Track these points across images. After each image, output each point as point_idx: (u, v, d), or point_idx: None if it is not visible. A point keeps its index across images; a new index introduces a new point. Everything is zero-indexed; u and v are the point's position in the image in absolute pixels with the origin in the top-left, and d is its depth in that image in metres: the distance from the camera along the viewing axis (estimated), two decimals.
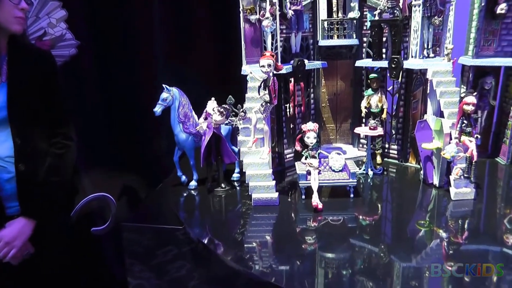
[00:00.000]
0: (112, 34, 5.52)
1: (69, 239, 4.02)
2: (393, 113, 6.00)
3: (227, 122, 5.10)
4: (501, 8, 5.51)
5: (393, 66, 5.29)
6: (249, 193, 4.63)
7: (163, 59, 6.13)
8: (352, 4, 5.76)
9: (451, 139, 4.86)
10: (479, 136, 4.96)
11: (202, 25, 6.72)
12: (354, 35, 5.85)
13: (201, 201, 4.99)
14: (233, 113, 5.18)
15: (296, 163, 5.07)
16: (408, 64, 5.36)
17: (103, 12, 5.40)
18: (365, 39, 5.90)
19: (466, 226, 4.38)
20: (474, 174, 4.80)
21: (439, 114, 5.23)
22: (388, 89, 5.96)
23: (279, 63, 4.87)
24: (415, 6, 5.19)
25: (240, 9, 5.30)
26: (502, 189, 5.41)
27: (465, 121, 4.80)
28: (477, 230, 4.38)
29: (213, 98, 5.13)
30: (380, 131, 5.44)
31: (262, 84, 4.62)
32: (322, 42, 5.83)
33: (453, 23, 5.38)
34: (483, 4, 5.43)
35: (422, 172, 5.27)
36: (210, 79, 6.64)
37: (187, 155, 5.21)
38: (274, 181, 4.67)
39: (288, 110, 5.68)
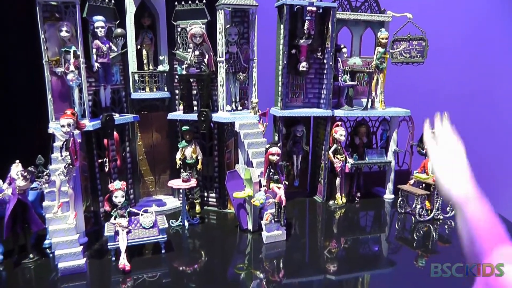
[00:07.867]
0: None
1: None
2: None
3: (34, 186, 4.70)
4: (303, 66, 6.10)
5: (202, 119, 5.41)
6: (55, 263, 4.26)
7: None
8: (161, 57, 5.77)
9: (260, 187, 5.10)
10: (287, 183, 5.29)
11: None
12: (166, 88, 5.85)
13: (8, 276, 4.38)
14: (43, 173, 4.76)
15: (106, 224, 4.80)
16: (217, 117, 5.54)
17: None
18: (177, 91, 5.92)
19: (281, 264, 4.64)
20: (283, 217, 5.07)
21: (250, 163, 5.46)
22: None
23: (83, 121, 4.65)
24: (220, 63, 5.43)
25: (44, 61, 4.91)
26: (320, 224, 5.88)
27: (272, 170, 5.08)
28: (299, 265, 4.65)
29: (17, 161, 4.63)
30: (193, 182, 5.45)
31: (64, 145, 4.35)
32: (134, 95, 5.72)
33: (257, 79, 5.72)
34: (285, 62, 5.89)
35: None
36: (18, 137, 6.11)
37: None
38: (81, 247, 4.38)
39: (104, 165, 5.41)
